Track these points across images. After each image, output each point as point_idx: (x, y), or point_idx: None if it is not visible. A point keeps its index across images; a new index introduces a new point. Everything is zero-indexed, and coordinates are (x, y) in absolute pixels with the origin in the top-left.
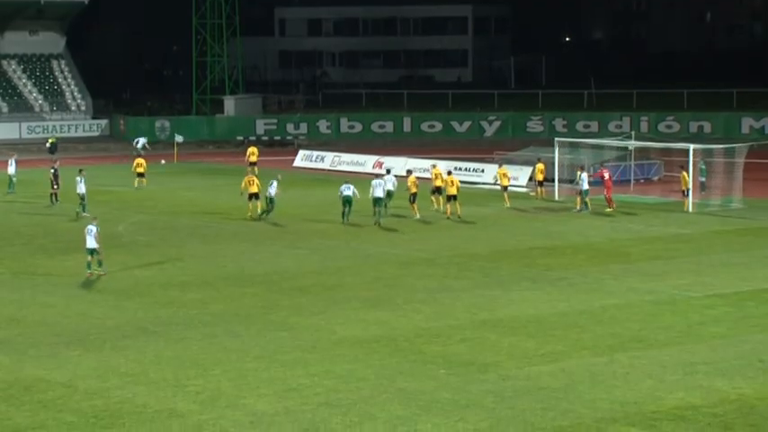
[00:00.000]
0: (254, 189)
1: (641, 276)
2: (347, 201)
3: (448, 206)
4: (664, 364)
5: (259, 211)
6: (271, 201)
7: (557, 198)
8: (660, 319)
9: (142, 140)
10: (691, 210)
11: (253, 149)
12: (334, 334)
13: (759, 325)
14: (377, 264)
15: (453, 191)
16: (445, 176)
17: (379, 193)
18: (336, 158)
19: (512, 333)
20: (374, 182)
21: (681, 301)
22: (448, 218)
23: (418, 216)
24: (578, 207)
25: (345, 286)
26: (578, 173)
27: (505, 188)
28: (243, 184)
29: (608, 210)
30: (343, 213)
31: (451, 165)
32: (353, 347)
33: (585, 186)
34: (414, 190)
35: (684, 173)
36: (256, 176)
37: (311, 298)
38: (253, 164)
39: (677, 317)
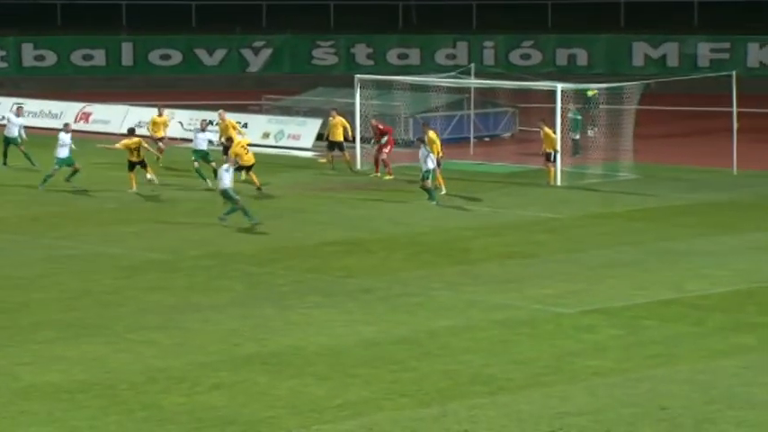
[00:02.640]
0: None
1: (487, 284)
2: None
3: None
4: (521, 417)
5: None
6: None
7: (358, 167)
8: (515, 348)
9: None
10: (559, 182)
11: None
12: (17, 380)
13: (660, 355)
14: (83, 270)
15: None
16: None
17: None
18: (17, 108)
19: (293, 374)
20: None
21: (545, 320)
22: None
23: (134, 189)
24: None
25: (33, 306)
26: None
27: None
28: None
29: (386, 176)
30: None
31: (195, 116)
32: (47, 401)
33: (430, 165)
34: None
35: (546, 128)
36: None
37: None
38: None
39: (540, 345)
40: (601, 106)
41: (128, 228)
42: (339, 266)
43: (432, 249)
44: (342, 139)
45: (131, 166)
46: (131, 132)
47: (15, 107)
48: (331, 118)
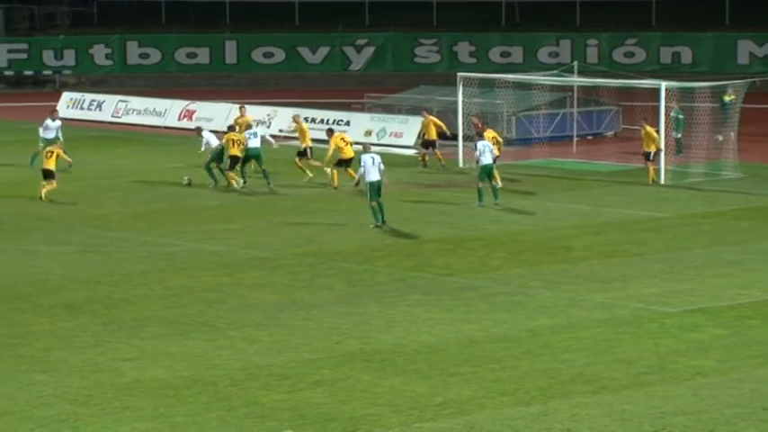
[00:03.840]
0: (51, 164)
1: (589, 283)
2: (254, 156)
3: (335, 172)
4: (623, 417)
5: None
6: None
7: (460, 165)
8: (617, 347)
9: None
10: (662, 181)
11: None
12: (122, 376)
13: (764, 355)
14: (186, 267)
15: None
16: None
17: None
18: (122, 105)
19: (394, 372)
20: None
21: (648, 320)
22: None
23: (241, 183)
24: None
25: (138, 302)
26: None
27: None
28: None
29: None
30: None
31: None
32: (151, 396)
33: (488, 159)
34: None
35: (648, 126)
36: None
37: (85, 321)
38: None
39: (643, 344)
40: (704, 104)
41: (229, 225)
42: (440, 264)
43: (532, 248)
44: (435, 137)
45: (234, 161)
46: (231, 129)
47: (51, 111)
48: (423, 119)
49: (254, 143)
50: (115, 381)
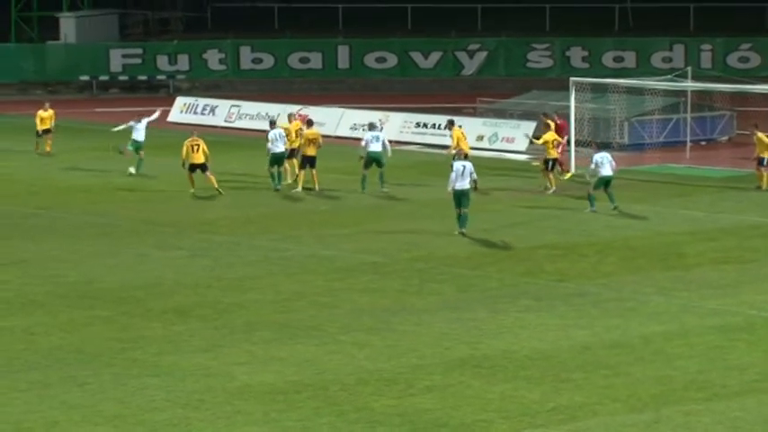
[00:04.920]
0: (200, 158)
1: (702, 289)
2: (375, 159)
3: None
4: (736, 425)
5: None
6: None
7: (573, 170)
8: (731, 354)
9: None
10: None
11: (43, 114)
12: (233, 380)
13: None
14: (298, 272)
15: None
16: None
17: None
18: (235, 109)
19: (505, 378)
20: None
21: (761, 326)
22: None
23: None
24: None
25: (248, 307)
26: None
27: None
28: (184, 151)
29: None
30: (363, 179)
31: (410, 119)
32: (262, 401)
33: (608, 171)
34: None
35: (760, 132)
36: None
37: (196, 325)
38: (46, 131)
39: (757, 351)
40: None
41: (340, 230)
42: (552, 270)
43: (645, 254)
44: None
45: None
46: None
47: (137, 115)
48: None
49: (376, 147)
50: (226, 385)
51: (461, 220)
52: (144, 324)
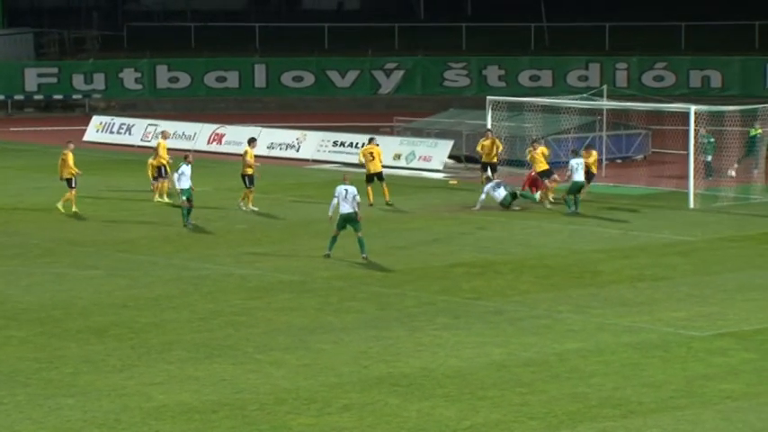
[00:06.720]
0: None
1: (617, 307)
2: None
3: (369, 188)
4: None
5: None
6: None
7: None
8: (646, 371)
9: None
10: (691, 205)
11: None
12: (149, 400)
13: None
14: (214, 291)
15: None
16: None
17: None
18: (151, 128)
19: (422, 396)
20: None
21: (676, 344)
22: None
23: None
24: (571, 207)
25: (165, 326)
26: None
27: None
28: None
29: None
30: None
31: (328, 138)
32: (179, 421)
33: (581, 177)
34: None
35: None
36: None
37: (113, 344)
38: None
39: (671, 368)
40: (734, 128)
41: (258, 248)
42: (468, 288)
43: (561, 271)
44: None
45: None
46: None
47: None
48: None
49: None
50: (143, 405)
51: (360, 243)
52: (60, 344)
